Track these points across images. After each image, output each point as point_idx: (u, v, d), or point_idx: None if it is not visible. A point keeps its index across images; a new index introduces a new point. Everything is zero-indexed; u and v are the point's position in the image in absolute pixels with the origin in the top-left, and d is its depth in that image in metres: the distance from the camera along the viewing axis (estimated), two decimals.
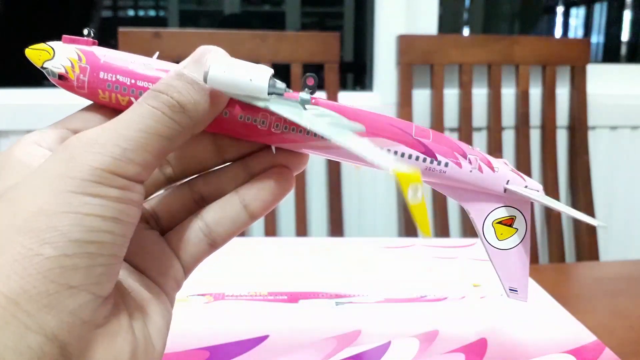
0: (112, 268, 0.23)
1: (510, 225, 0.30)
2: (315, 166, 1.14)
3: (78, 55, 0.27)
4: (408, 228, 1.11)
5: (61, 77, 0.27)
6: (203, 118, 0.25)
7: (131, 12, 2.10)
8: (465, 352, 0.39)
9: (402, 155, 0.28)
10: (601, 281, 0.56)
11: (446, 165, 0.28)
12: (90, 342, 0.22)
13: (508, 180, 0.29)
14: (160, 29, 1.00)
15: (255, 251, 0.60)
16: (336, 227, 1.07)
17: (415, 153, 0.28)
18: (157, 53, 0.28)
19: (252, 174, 0.29)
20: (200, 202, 0.29)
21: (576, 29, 2.63)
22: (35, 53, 0.27)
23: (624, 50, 2.16)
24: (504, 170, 0.30)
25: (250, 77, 0.25)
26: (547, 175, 1.15)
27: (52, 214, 0.21)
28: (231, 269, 0.54)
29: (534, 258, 1.03)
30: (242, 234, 0.76)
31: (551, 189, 1.14)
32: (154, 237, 0.28)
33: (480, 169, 0.29)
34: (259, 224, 1.05)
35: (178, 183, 0.30)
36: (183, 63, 0.25)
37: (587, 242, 1.15)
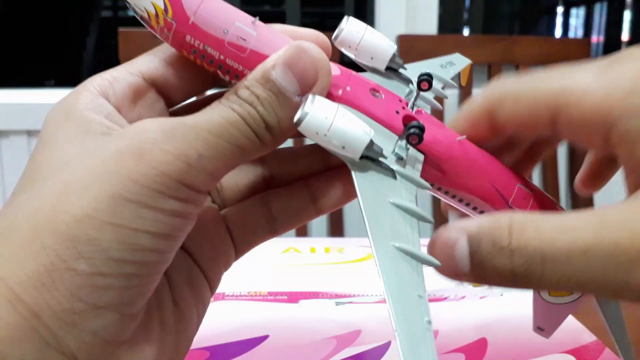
0: (150, 286, 0.21)
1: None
2: None
3: (165, 3, 0.22)
4: None
5: (143, 19, 0.23)
6: (287, 134, 0.22)
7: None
8: (465, 352, 0.39)
9: None
10: None
11: None
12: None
13: None
14: None
15: (255, 251, 0.60)
16: (336, 227, 1.07)
17: None
18: (257, 18, 0.23)
19: (329, 165, 0.26)
20: (269, 181, 0.27)
21: (576, 29, 2.63)
22: None
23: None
24: None
25: (343, 145, 0.22)
26: (547, 175, 1.15)
27: (97, 224, 0.19)
28: (231, 269, 0.54)
29: None
30: None
31: (552, 189, 1.14)
32: (213, 216, 0.26)
33: None
34: None
35: None
36: (273, 59, 0.22)
37: None
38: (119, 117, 0.22)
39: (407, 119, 0.25)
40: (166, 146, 0.20)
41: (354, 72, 0.25)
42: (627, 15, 2.42)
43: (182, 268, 0.25)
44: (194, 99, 0.26)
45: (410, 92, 0.27)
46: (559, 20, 2.61)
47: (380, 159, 0.23)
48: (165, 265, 0.21)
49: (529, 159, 0.29)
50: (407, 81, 0.27)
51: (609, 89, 0.21)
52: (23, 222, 0.19)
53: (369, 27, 0.26)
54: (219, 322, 0.42)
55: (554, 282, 0.19)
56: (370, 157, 0.22)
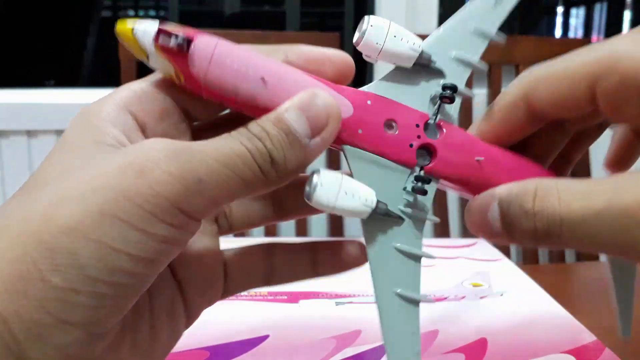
0: (123, 308, 0.20)
1: None
2: (315, 165, 1.14)
3: (175, 72, 0.22)
4: None
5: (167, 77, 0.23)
6: (291, 175, 0.22)
7: (131, 12, 2.10)
8: (465, 352, 0.39)
9: None
10: (601, 281, 0.56)
11: None
12: None
13: None
14: None
15: None
16: (336, 227, 1.07)
17: None
18: (283, 58, 0.24)
19: None
20: (279, 212, 0.28)
21: (576, 29, 2.63)
22: (133, 46, 0.22)
23: None
24: None
25: (347, 215, 0.23)
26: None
27: (79, 238, 0.18)
28: None
29: (533, 258, 1.03)
30: (243, 234, 0.76)
31: None
32: (214, 254, 0.26)
33: None
34: None
35: None
36: (288, 103, 0.22)
37: None
38: (137, 132, 0.22)
39: (424, 147, 0.25)
40: (167, 167, 0.19)
41: (369, 101, 0.24)
42: (627, 15, 2.42)
43: (168, 295, 0.24)
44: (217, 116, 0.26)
45: (435, 97, 0.25)
46: (559, 20, 2.61)
47: (389, 211, 0.24)
48: (142, 289, 0.21)
49: (572, 149, 0.31)
50: (439, 73, 0.26)
51: None
52: (13, 226, 0.19)
53: (391, 29, 0.25)
54: (219, 322, 0.42)
55: (571, 242, 0.22)
56: (378, 213, 0.24)
